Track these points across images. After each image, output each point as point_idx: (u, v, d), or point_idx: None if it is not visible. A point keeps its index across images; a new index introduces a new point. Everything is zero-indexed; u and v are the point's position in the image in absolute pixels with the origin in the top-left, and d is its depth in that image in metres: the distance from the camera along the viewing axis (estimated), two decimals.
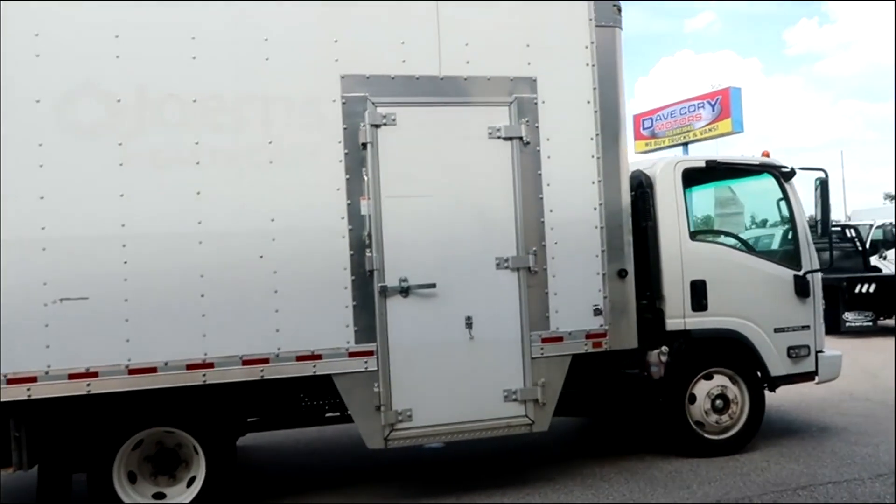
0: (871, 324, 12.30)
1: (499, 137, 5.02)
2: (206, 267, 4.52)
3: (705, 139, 27.66)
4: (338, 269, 4.72)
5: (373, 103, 4.81)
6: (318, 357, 4.68)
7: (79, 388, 4.34)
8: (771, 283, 5.94)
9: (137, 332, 4.41)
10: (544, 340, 5.03)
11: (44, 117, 4.34)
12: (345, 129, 4.77)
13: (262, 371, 4.60)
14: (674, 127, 28.88)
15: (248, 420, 5.27)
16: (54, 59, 4.36)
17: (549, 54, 5.13)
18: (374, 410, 4.77)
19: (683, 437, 5.72)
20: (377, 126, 4.81)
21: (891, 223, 16.34)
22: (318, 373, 4.69)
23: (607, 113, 5.21)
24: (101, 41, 4.43)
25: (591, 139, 5.17)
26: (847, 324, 12.22)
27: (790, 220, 6.17)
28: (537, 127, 5.07)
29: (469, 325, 4.91)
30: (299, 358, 4.65)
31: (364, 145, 4.78)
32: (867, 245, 14.22)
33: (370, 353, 4.75)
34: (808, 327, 6.01)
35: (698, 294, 5.68)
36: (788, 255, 6.17)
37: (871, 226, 16.48)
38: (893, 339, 10.74)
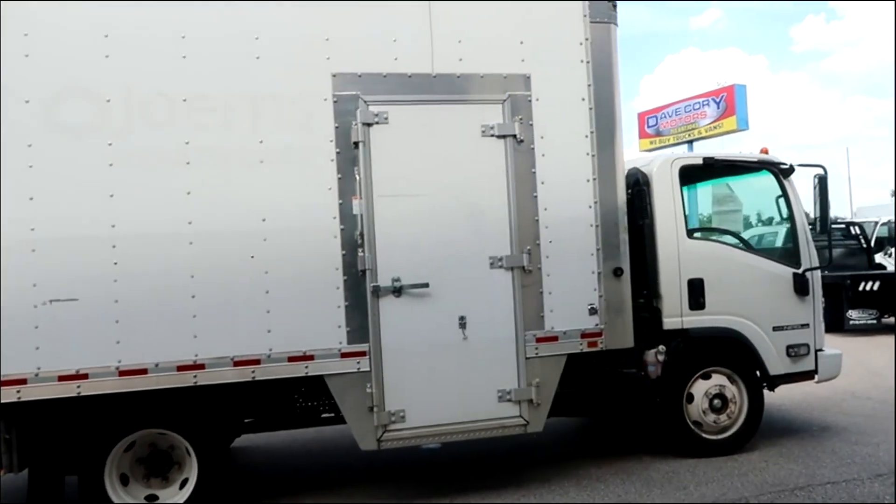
0: (875, 322, 12.20)
1: (492, 135, 4.98)
2: (196, 267, 4.49)
3: (710, 137, 27.47)
4: (330, 270, 4.69)
5: (364, 102, 4.77)
6: (311, 358, 4.65)
7: (69, 389, 4.31)
8: (770, 281, 5.88)
9: (128, 334, 4.38)
10: (539, 340, 4.99)
11: (33, 118, 4.31)
12: (336, 127, 4.73)
13: (253, 372, 4.57)
14: (678, 125, 28.70)
15: (243, 422, 5.25)
16: (43, 59, 4.34)
17: (543, 51, 5.08)
18: (367, 411, 4.73)
19: (681, 437, 5.67)
20: (369, 125, 4.77)
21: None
22: (310, 374, 4.65)
23: (602, 110, 5.16)
24: (90, 41, 4.40)
25: (586, 137, 5.12)
26: (851, 322, 12.14)
27: (789, 218, 6.11)
28: (531, 125, 5.02)
29: (463, 324, 4.87)
30: (291, 359, 4.62)
31: (356, 144, 4.74)
32: (872, 242, 14.11)
33: (363, 354, 4.71)
34: (807, 326, 5.95)
35: (696, 292, 5.63)
36: (787, 253, 6.11)
37: (877, 223, 16.35)
38: (894, 336, 10.65)
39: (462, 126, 4.95)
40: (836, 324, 11.93)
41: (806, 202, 6.18)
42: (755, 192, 7.13)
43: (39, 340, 4.27)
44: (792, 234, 6.09)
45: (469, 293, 4.90)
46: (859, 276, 12.34)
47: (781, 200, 6.12)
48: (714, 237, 6.48)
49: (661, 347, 5.45)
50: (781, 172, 6.05)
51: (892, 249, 15.50)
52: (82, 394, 4.33)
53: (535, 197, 5.01)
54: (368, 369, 4.72)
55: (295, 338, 4.62)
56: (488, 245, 4.95)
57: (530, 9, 5.07)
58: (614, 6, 5.28)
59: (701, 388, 5.69)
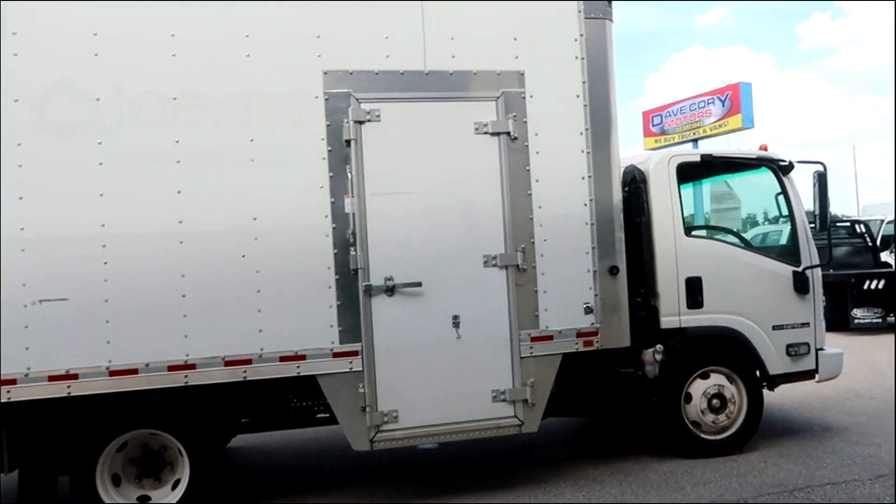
0: (880, 321, 12.09)
1: (486, 133, 4.93)
2: (187, 267, 4.46)
3: (715, 135, 27.36)
4: (321, 269, 4.65)
5: (356, 99, 4.73)
6: (302, 357, 4.61)
7: (59, 390, 4.29)
8: (769, 280, 5.81)
9: (118, 334, 4.36)
10: (533, 339, 4.94)
11: (22, 117, 4.29)
12: (328, 125, 4.69)
13: (244, 372, 4.54)
14: (683, 123, 28.59)
15: (237, 422, 5.21)
16: (33, 57, 4.32)
17: (537, 48, 5.03)
18: (360, 411, 4.69)
19: (679, 437, 5.61)
20: (361, 122, 4.73)
21: None
22: (302, 373, 4.62)
23: (597, 107, 5.11)
24: (79, 39, 4.38)
25: (581, 134, 5.07)
26: (856, 321, 12.03)
27: (789, 215, 6.04)
28: (525, 122, 4.97)
29: (456, 324, 4.82)
30: (283, 359, 4.58)
31: (348, 142, 4.71)
32: (878, 241, 13.98)
33: (355, 354, 4.67)
34: (807, 324, 5.87)
35: (694, 291, 5.57)
36: (787, 251, 6.04)
37: (882, 221, 16.19)
38: (894, 335, 10.55)
39: (455, 123, 4.91)
40: (841, 323, 11.84)
41: (806, 199, 6.11)
42: (754, 190, 7.06)
43: (29, 340, 4.24)
44: (792, 232, 6.02)
45: (463, 292, 4.85)
46: (864, 275, 12.22)
47: (781, 198, 6.05)
48: (713, 235, 6.42)
49: (659, 347, 5.40)
50: (780, 169, 5.98)
51: None
52: (72, 394, 4.30)
53: (530, 195, 4.96)
54: (361, 369, 4.68)
55: (286, 337, 4.59)
56: (482, 243, 4.90)
57: (524, 5, 5.03)
58: (609, 2, 5.22)
59: (699, 388, 5.63)
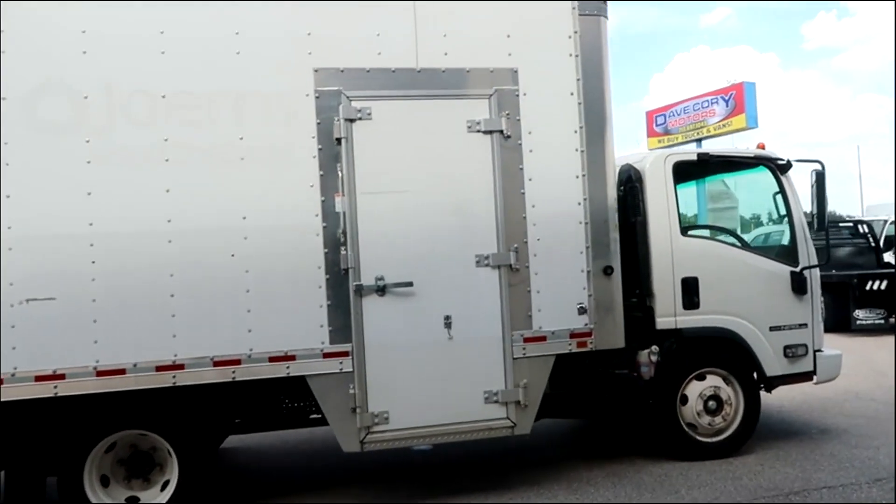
0: (882, 321, 11.99)
1: (479, 131, 4.88)
2: (175, 266, 4.42)
3: (719, 135, 27.25)
4: (312, 268, 4.60)
5: (347, 97, 4.69)
6: (292, 358, 4.57)
7: (46, 390, 4.26)
8: (766, 280, 5.74)
9: (106, 333, 4.32)
10: (526, 340, 4.88)
11: (9, 115, 4.26)
12: (318, 124, 4.65)
13: (233, 372, 4.50)
14: (687, 123, 28.47)
15: (229, 423, 5.18)
16: (20, 55, 4.28)
17: (530, 45, 4.97)
18: (350, 412, 4.64)
19: (675, 439, 5.55)
20: (352, 120, 4.69)
21: None
22: (291, 374, 4.57)
23: (592, 105, 5.05)
24: (67, 37, 4.35)
25: (575, 132, 5.01)
26: (858, 321, 11.94)
27: (787, 214, 5.97)
28: (519, 120, 4.92)
29: (448, 324, 4.77)
30: (272, 359, 4.54)
31: (338, 140, 4.66)
32: (881, 241, 13.87)
33: (345, 354, 4.63)
34: (805, 325, 5.80)
35: (690, 291, 5.50)
36: (785, 251, 5.97)
37: (886, 221, 16.08)
38: (894, 336, 10.45)
39: (447, 121, 4.86)
40: (842, 323, 11.75)
41: (805, 199, 6.03)
42: (752, 189, 7.00)
43: (16, 340, 4.21)
44: (789, 232, 5.96)
45: (454, 292, 4.80)
46: (866, 276, 12.13)
47: (779, 197, 5.99)
48: (707, 234, 6.35)
49: (654, 348, 5.33)
50: (778, 168, 5.91)
51: None
52: (59, 394, 4.27)
53: (523, 194, 4.91)
54: (351, 370, 4.63)
55: (276, 338, 4.55)
56: (474, 243, 4.85)
57: (518, 2, 4.97)
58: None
59: (695, 390, 5.57)
